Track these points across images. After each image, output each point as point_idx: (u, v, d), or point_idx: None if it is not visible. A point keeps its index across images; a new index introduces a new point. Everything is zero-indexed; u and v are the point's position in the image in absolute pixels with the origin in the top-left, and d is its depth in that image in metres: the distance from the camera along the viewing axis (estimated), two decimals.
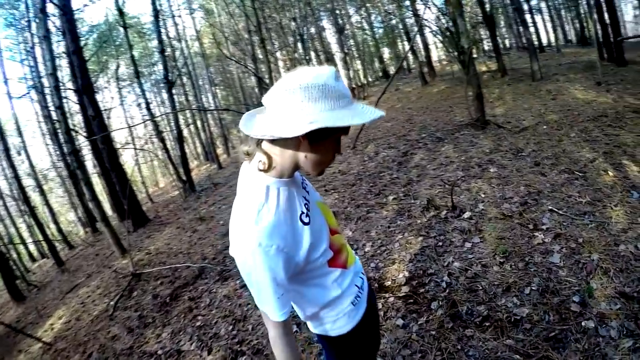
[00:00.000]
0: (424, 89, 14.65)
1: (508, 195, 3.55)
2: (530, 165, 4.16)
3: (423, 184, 4.45)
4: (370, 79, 24.81)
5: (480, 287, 2.42)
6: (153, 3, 10.75)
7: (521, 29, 13.81)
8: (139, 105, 19.38)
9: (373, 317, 1.05)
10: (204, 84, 22.25)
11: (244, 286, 3.43)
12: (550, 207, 3.15)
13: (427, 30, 13.24)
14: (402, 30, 17.40)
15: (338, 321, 0.94)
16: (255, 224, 0.73)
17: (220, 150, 21.31)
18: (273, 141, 0.78)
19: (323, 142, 0.74)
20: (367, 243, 3.46)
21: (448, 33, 6.86)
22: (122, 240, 6.88)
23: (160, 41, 11.14)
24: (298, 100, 0.67)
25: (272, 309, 0.77)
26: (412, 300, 2.51)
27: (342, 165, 6.33)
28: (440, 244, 3.08)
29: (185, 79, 16.22)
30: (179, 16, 16.76)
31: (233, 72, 22.46)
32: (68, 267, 10.08)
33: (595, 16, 10.00)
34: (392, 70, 23.30)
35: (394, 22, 18.16)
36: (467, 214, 3.39)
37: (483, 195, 3.71)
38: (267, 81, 8.60)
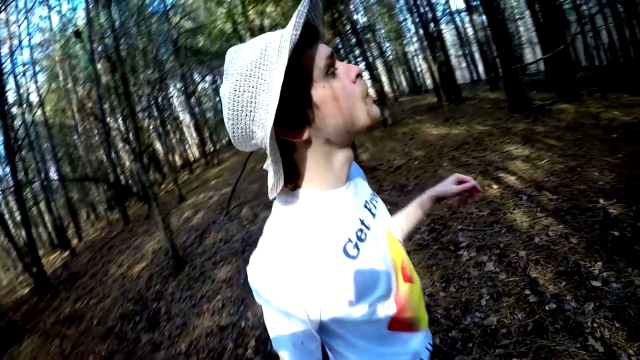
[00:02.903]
0: None
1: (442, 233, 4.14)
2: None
3: None
4: (223, 143, 25.95)
5: (440, 316, 2.66)
6: None
7: (370, 82, 17.12)
8: None
9: None
10: (48, 156, 19.44)
11: None
12: (460, 227, 3.82)
13: None
14: None
15: None
16: (263, 253, 0.62)
17: (70, 234, 18.07)
18: (292, 163, 0.68)
19: (315, 105, 0.63)
20: None
21: None
22: None
23: None
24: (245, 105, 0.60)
25: (287, 357, 0.63)
26: None
27: (220, 234, 6.43)
28: None
29: (25, 151, 15.40)
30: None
31: (78, 144, 20.33)
32: None
33: (435, 67, 13.38)
34: None
35: None
36: None
37: None
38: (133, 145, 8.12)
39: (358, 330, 0.67)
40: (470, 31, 22.06)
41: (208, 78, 22.72)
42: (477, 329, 2.38)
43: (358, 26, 14.41)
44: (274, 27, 15.85)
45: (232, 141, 0.66)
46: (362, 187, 0.81)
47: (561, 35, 7.97)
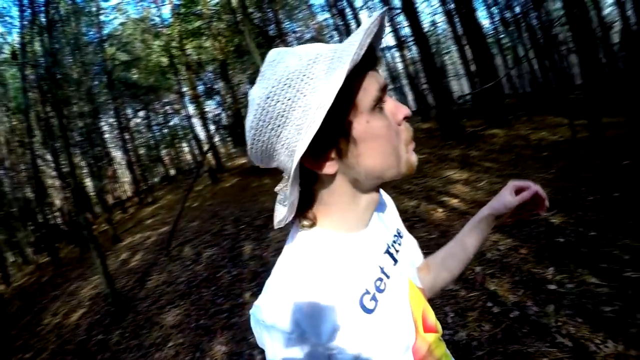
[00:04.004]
0: (216, 185, 15.70)
1: None
2: None
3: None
4: (155, 180, 25.04)
5: None
6: None
7: None
8: None
9: None
10: None
11: None
12: None
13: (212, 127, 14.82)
14: (181, 132, 18.62)
15: None
16: (271, 294, 0.55)
17: None
18: (309, 196, 0.62)
19: (353, 139, 0.55)
20: (255, 352, 3.21)
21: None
22: None
23: None
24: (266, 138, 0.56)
25: None
26: None
27: (163, 276, 6.11)
28: None
29: None
30: None
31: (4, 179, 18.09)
32: None
33: None
34: (172, 172, 24.93)
35: (172, 122, 19.40)
36: None
37: None
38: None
39: None
40: (400, 65, 23.60)
41: (141, 113, 22.04)
42: (449, 346, 2.40)
43: None
44: (211, 61, 15.96)
45: (249, 153, 0.60)
46: (385, 227, 0.74)
47: (490, 67, 8.75)
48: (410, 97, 24.37)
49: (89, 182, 16.34)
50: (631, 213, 3.16)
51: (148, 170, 23.62)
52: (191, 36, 13.51)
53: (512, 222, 0.86)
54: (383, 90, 0.56)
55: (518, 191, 0.85)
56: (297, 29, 21.54)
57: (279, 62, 0.56)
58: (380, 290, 0.61)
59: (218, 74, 16.05)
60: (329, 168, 0.56)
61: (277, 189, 0.61)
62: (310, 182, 0.59)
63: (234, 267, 5.35)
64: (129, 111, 20.48)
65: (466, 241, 0.90)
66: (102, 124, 18.87)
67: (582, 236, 3.08)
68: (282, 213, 0.60)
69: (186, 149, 28.40)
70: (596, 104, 5.86)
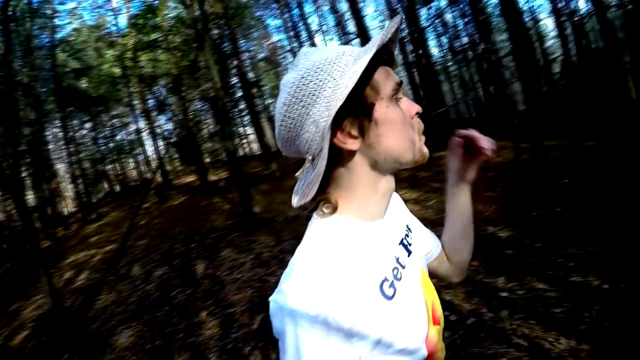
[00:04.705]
0: (163, 203, 15.24)
1: None
2: None
3: (228, 290, 4.72)
4: (99, 196, 23.74)
5: None
6: None
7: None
8: None
9: None
10: None
11: None
12: None
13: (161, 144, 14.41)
14: (128, 146, 18.02)
15: None
16: (302, 273, 0.55)
17: None
18: (328, 179, 0.65)
19: (374, 119, 0.61)
20: None
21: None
22: None
23: None
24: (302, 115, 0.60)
25: None
26: None
27: (111, 296, 5.91)
28: None
29: None
30: None
31: None
32: None
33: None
34: (118, 188, 23.93)
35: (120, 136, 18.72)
36: None
37: None
38: None
39: None
40: None
41: (88, 125, 21.03)
42: None
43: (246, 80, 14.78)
44: (164, 75, 15.55)
45: (276, 132, 0.64)
46: (399, 220, 0.77)
47: (438, 93, 9.25)
48: None
49: (30, 195, 15.29)
50: (573, 225, 3.46)
51: (92, 185, 22.54)
52: (147, 48, 13.19)
53: (482, 164, 0.84)
54: (399, 84, 0.63)
55: (464, 139, 0.84)
56: (252, 48, 21.71)
57: (312, 53, 0.62)
58: (397, 279, 0.63)
59: (171, 89, 15.67)
60: (352, 145, 0.60)
61: (297, 174, 0.64)
62: (332, 162, 0.61)
63: (188, 286, 5.27)
64: (75, 122, 19.56)
65: (456, 205, 0.93)
66: (47, 133, 17.87)
67: (528, 247, 3.31)
68: (301, 190, 0.64)
69: (132, 165, 27.45)
70: (538, 128, 6.36)
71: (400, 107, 0.63)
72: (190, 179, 18.47)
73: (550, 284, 2.62)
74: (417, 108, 0.66)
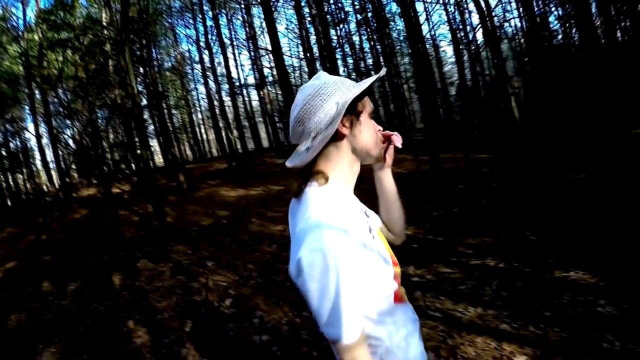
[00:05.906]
0: (65, 217, 13.72)
1: (273, 274, 4.30)
2: (244, 248, 5.36)
3: (151, 298, 4.58)
4: None
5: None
6: None
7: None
8: None
9: None
10: None
11: None
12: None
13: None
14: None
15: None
16: (321, 220, 0.73)
17: None
18: (319, 155, 0.87)
19: (359, 121, 0.88)
20: None
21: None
22: None
23: None
24: (319, 104, 0.86)
25: (348, 325, 0.69)
26: None
27: (22, 315, 5.29)
28: None
29: None
30: None
31: None
32: None
33: (233, 136, 14.16)
34: (9, 202, 20.30)
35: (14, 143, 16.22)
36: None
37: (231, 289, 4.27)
38: None
39: (375, 306, 0.81)
40: (255, 103, 24.82)
41: None
42: None
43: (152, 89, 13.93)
44: (71, 78, 13.79)
45: (292, 112, 0.91)
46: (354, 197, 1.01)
47: None
48: (263, 133, 25.14)
49: None
50: (469, 221, 4.04)
51: None
52: (55, 47, 11.83)
53: (394, 152, 1.12)
54: (372, 111, 0.94)
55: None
56: (158, 56, 20.53)
57: (328, 75, 0.92)
58: (371, 230, 0.87)
59: (76, 93, 14.10)
60: (345, 130, 0.87)
61: (297, 148, 0.91)
62: (331, 140, 0.86)
63: (106, 299, 4.92)
64: None
65: (384, 185, 1.15)
66: None
67: (432, 242, 3.77)
68: (301, 157, 0.88)
69: (27, 176, 23.91)
70: (435, 143, 7.13)
71: (372, 122, 0.95)
72: (91, 191, 16.82)
73: (454, 268, 3.04)
74: (379, 127, 0.99)
